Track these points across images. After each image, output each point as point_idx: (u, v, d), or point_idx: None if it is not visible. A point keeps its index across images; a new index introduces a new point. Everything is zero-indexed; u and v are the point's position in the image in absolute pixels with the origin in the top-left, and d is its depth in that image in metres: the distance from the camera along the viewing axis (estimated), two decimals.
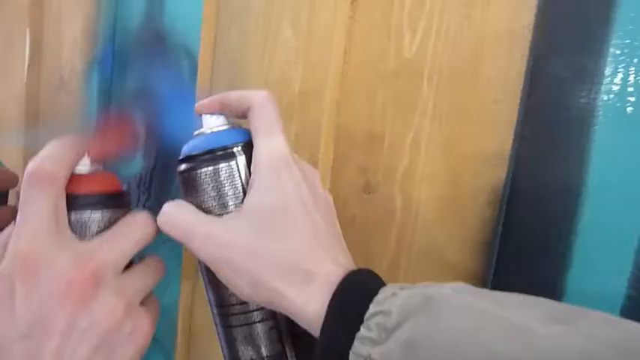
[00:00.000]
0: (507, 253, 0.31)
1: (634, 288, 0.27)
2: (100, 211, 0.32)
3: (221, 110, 0.33)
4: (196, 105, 0.33)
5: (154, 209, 0.32)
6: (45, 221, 0.29)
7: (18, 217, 0.29)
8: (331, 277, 0.27)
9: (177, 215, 0.31)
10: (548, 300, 0.24)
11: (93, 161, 0.33)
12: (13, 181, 0.45)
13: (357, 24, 0.36)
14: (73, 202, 0.31)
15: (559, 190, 0.29)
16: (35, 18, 0.58)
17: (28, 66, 0.59)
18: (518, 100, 0.30)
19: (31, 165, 0.30)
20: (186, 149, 0.32)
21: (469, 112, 0.32)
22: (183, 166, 0.32)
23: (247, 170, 0.31)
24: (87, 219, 0.31)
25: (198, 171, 0.31)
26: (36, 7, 0.58)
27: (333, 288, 0.26)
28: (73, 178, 0.31)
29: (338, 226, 0.31)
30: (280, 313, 0.30)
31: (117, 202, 0.33)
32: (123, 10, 0.49)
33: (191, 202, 0.31)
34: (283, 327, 0.32)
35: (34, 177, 0.29)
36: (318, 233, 0.29)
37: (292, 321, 0.28)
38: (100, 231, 0.31)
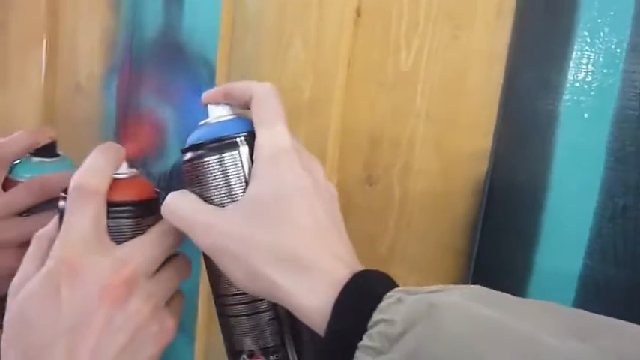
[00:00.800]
0: (488, 235, 0.37)
1: (590, 257, 0.33)
2: (135, 218, 0.34)
3: (225, 100, 0.33)
4: (203, 94, 0.34)
5: None
6: (87, 230, 0.32)
7: (64, 224, 0.32)
8: (334, 275, 0.27)
9: (180, 205, 0.32)
10: (574, 310, 0.24)
11: (129, 165, 0.36)
12: None
13: (360, 39, 0.42)
14: (110, 209, 0.33)
15: (529, 181, 0.36)
16: (51, 26, 0.63)
17: (45, 73, 0.63)
18: (496, 108, 0.36)
19: (77, 179, 0.33)
20: (190, 139, 0.33)
21: (456, 117, 0.38)
22: (187, 156, 0.32)
23: (250, 161, 0.31)
24: (122, 225, 0.34)
25: (202, 160, 0.31)
26: (51, 16, 0.62)
27: (337, 288, 0.26)
28: (111, 184, 0.34)
29: (340, 218, 0.32)
30: (280, 305, 0.30)
31: (150, 209, 0.35)
32: (141, 20, 0.54)
33: (194, 192, 0.32)
34: (284, 319, 0.33)
35: (81, 192, 0.32)
36: (316, 224, 0.29)
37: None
38: (134, 236, 0.34)
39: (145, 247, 0.33)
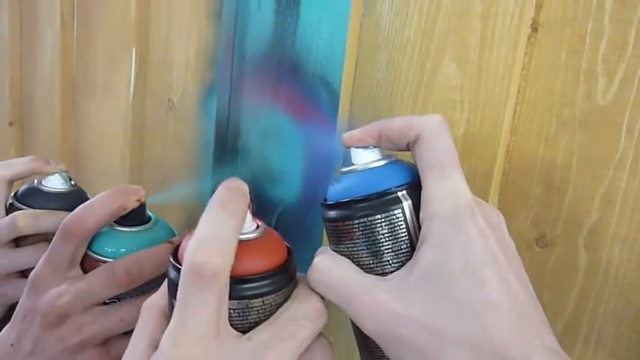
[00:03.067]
0: None
1: None
2: (261, 298, 0.26)
3: (378, 142, 0.28)
4: (344, 136, 0.28)
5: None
6: (206, 325, 0.24)
7: (178, 315, 0.25)
8: None
9: (333, 274, 0.26)
10: None
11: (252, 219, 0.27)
12: None
13: (536, 62, 0.33)
14: (233, 287, 0.25)
15: None
16: (141, 36, 0.57)
17: (134, 87, 0.58)
18: None
19: (194, 256, 0.24)
20: (336, 192, 0.27)
21: None
22: (333, 214, 0.27)
23: (415, 218, 0.26)
24: (244, 307, 0.26)
25: (355, 221, 0.26)
26: (142, 25, 0.57)
27: None
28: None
29: (531, 287, 0.26)
30: None
31: (282, 281, 0.27)
32: (244, 33, 0.47)
33: (342, 255, 0.27)
34: None
35: (199, 275, 0.24)
36: (517, 305, 0.24)
37: None
38: (260, 319, 0.26)
39: (280, 343, 0.25)
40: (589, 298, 0.32)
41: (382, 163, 0.27)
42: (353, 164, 0.28)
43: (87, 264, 0.37)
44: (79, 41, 0.66)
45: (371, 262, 0.26)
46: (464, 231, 0.24)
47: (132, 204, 0.37)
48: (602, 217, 0.31)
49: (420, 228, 0.25)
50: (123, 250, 0.37)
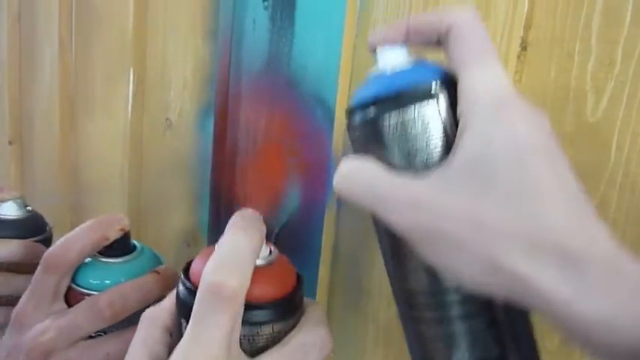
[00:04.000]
0: None
1: None
2: (271, 324, 0.26)
3: (408, 38, 0.26)
4: (369, 38, 0.27)
5: None
6: (219, 348, 0.24)
7: (191, 334, 0.24)
8: (623, 271, 0.20)
9: (362, 174, 0.24)
10: None
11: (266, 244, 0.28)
12: (176, 280, 0.40)
13: (526, 80, 0.33)
14: (246, 312, 0.25)
15: None
16: (138, 55, 0.58)
17: (132, 106, 0.58)
18: None
19: (213, 277, 0.24)
20: (361, 94, 0.26)
21: None
22: (360, 116, 0.25)
23: (451, 114, 0.24)
24: (254, 333, 0.26)
25: (387, 119, 0.24)
26: (138, 44, 0.58)
27: (632, 289, 0.19)
28: None
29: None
30: (500, 305, 0.24)
31: (291, 309, 0.27)
32: (240, 52, 0.48)
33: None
34: (506, 322, 0.25)
35: (217, 296, 0.24)
36: (570, 195, 0.22)
37: (516, 315, 0.23)
38: (267, 345, 0.26)
39: None
40: None
41: (411, 60, 0.26)
42: (380, 66, 0.26)
43: (71, 297, 0.36)
44: (78, 62, 0.66)
45: (404, 161, 0.24)
46: (508, 118, 0.22)
47: (115, 234, 0.36)
48: None
49: (456, 124, 0.24)
50: (108, 281, 0.36)
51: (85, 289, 0.36)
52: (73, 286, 0.36)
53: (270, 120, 0.45)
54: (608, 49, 0.30)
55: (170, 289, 0.37)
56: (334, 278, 0.44)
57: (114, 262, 0.37)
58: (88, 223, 0.36)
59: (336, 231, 0.43)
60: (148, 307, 0.35)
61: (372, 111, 0.25)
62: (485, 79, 0.23)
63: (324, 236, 0.43)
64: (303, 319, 0.28)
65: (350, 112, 0.27)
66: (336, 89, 0.40)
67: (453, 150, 0.23)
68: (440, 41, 0.25)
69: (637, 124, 0.30)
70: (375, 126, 0.25)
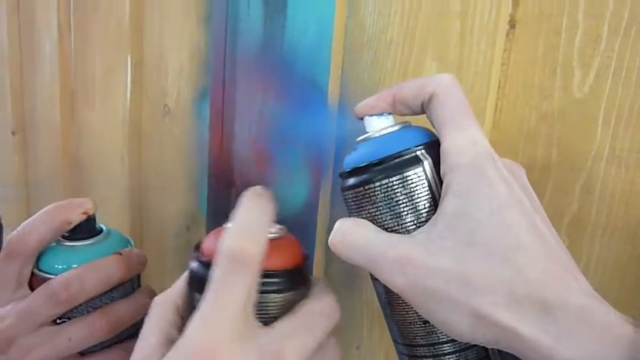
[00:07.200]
0: None
1: None
2: (282, 294, 0.27)
3: (392, 108, 0.28)
4: (358, 106, 0.29)
5: None
6: (238, 311, 0.24)
7: (210, 299, 0.24)
8: (598, 317, 0.21)
9: (356, 235, 0.26)
10: None
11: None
12: (144, 263, 0.39)
13: (515, 57, 0.34)
14: (260, 280, 0.26)
15: None
16: (135, 43, 0.58)
17: (130, 92, 0.59)
18: None
19: (232, 243, 0.25)
20: (353, 159, 0.28)
21: None
22: (352, 180, 0.27)
23: (436, 176, 0.26)
24: (267, 301, 0.27)
25: (376, 184, 0.26)
26: (136, 32, 0.58)
27: (616, 338, 0.21)
28: None
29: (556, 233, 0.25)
30: (492, 350, 0.26)
31: (300, 279, 0.28)
32: (234, 38, 0.48)
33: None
34: None
35: (236, 260, 0.24)
36: (547, 247, 0.23)
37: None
38: (278, 314, 0.27)
39: (296, 335, 0.26)
40: None
41: (397, 127, 0.28)
42: (368, 133, 0.28)
43: (35, 283, 0.36)
44: (77, 51, 0.67)
45: (394, 223, 0.26)
46: (486, 177, 0.24)
47: (77, 217, 0.36)
48: (582, 207, 0.32)
49: (441, 185, 0.26)
50: (74, 265, 0.35)
51: (50, 274, 0.35)
52: (36, 271, 0.36)
53: (265, 103, 0.46)
54: (595, 24, 0.30)
55: (134, 272, 0.38)
56: (329, 260, 0.44)
57: (79, 246, 0.36)
58: (47, 207, 0.36)
59: (330, 213, 0.43)
60: (111, 290, 0.36)
61: (361, 177, 0.27)
62: (463, 141, 0.25)
63: (318, 218, 0.43)
64: (310, 291, 0.29)
65: (342, 176, 0.29)
66: (329, 70, 0.41)
67: (437, 209, 0.25)
68: (423, 109, 0.27)
69: (623, 99, 0.30)
70: (365, 191, 0.27)
